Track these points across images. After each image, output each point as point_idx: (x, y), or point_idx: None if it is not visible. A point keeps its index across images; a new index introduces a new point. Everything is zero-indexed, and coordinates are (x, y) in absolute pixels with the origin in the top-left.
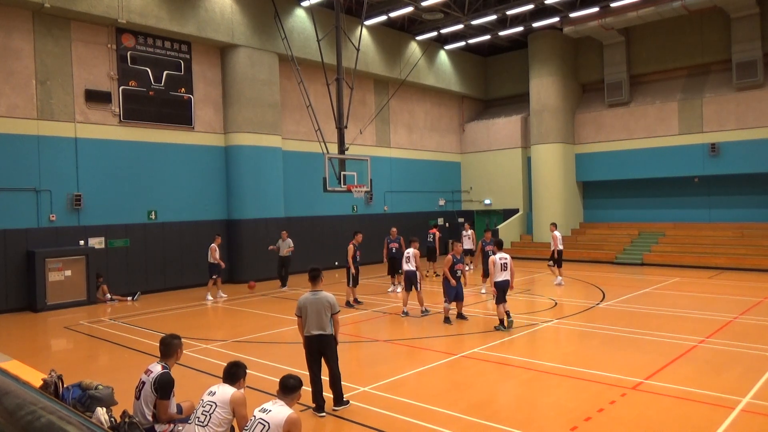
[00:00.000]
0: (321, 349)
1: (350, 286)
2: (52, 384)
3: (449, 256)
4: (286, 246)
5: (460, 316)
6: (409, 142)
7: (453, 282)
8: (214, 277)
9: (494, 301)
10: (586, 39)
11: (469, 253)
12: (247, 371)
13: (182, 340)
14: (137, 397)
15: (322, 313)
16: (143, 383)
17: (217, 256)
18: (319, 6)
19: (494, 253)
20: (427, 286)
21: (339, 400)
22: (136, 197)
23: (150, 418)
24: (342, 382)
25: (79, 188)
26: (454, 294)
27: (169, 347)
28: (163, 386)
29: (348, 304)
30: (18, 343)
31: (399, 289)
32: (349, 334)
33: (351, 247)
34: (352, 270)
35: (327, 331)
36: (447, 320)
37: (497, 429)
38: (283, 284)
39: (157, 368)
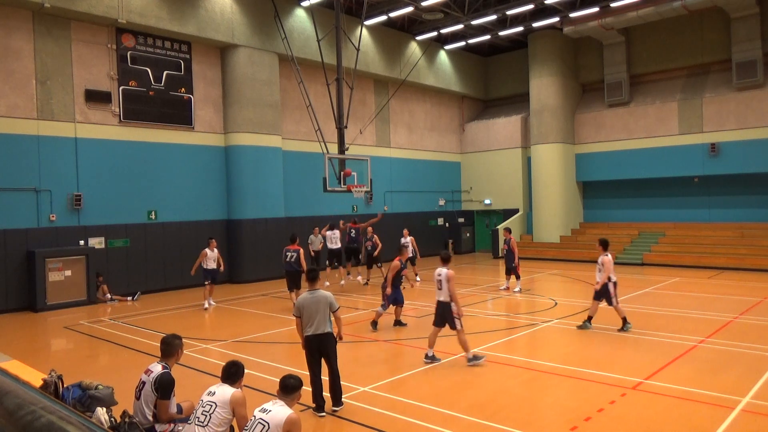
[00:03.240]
0: (321, 348)
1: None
2: (52, 384)
3: (396, 262)
4: (319, 242)
5: (398, 322)
6: (409, 142)
7: (389, 291)
8: (207, 282)
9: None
10: (586, 39)
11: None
12: (246, 371)
13: (182, 340)
14: (137, 397)
15: (321, 312)
16: (143, 383)
17: (211, 261)
18: (319, 6)
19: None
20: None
21: (338, 401)
22: (136, 197)
23: (150, 418)
24: (341, 382)
25: (79, 188)
26: (393, 299)
27: (170, 347)
28: (164, 386)
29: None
30: (18, 343)
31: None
32: (349, 334)
33: (301, 250)
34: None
35: (326, 329)
36: (374, 324)
37: (497, 429)
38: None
39: (157, 368)
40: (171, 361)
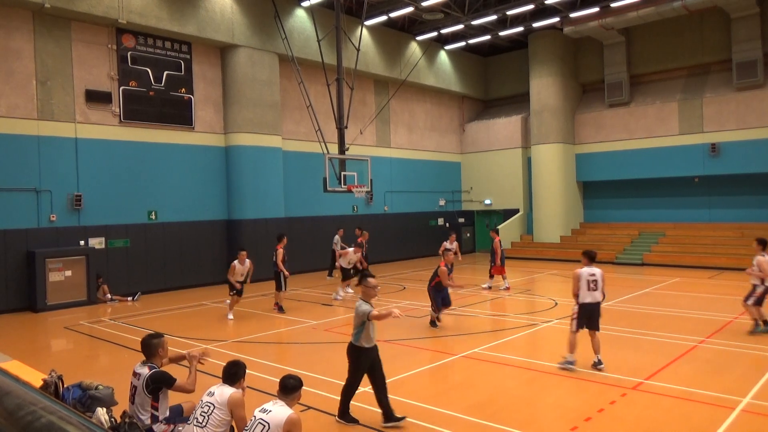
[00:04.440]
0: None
1: (282, 290)
2: (52, 384)
3: (444, 268)
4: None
5: (434, 322)
6: (410, 142)
7: (456, 285)
8: (232, 293)
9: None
10: (586, 39)
11: None
12: (247, 371)
13: (163, 338)
14: (132, 401)
15: (354, 321)
16: (134, 387)
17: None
18: (319, 6)
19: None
20: None
21: (343, 413)
22: (137, 197)
23: (148, 421)
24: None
25: (79, 188)
26: (440, 301)
27: (149, 348)
28: (162, 380)
29: (280, 308)
30: (18, 343)
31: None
32: (349, 334)
33: (281, 251)
34: (286, 273)
35: (351, 340)
36: (434, 323)
37: (497, 429)
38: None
39: (143, 370)
40: (156, 361)
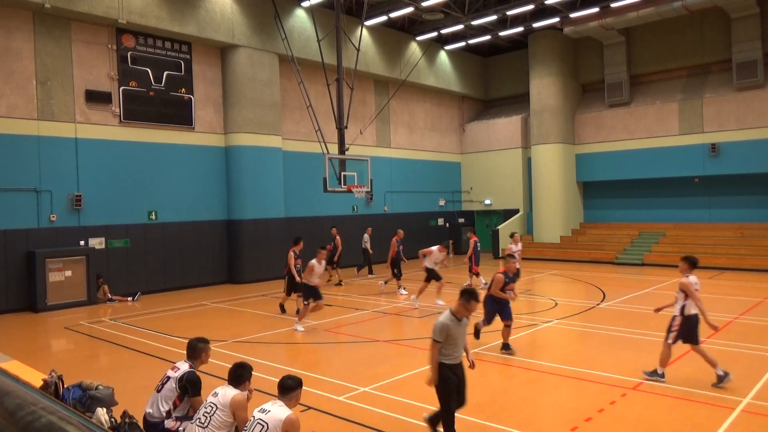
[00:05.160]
0: None
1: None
2: (52, 384)
3: (500, 275)
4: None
5: (506, 346)
6: (410, 142)
7: (507, 296)
8: (306, 302)
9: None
10: (586, 39)
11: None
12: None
13: (208, 343)
14: (158, 390)
15: None
16: (168, 378)
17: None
18: (319, 6)
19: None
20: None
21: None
22: (137, 197)
23: (164, 413)
24: (439, 419)
25: (79, 188)
26: (492, 316)
27: (194, 350)
28: (193, 384)
29: (298, 310)
30: (18, 343)
31: (403, 291)
32: (349, 334)
33: (291, 254)
34: (298, 278)
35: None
36: (477, 334)
37: (497, 429)
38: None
39: (184, 366)
40: (196, 363)
